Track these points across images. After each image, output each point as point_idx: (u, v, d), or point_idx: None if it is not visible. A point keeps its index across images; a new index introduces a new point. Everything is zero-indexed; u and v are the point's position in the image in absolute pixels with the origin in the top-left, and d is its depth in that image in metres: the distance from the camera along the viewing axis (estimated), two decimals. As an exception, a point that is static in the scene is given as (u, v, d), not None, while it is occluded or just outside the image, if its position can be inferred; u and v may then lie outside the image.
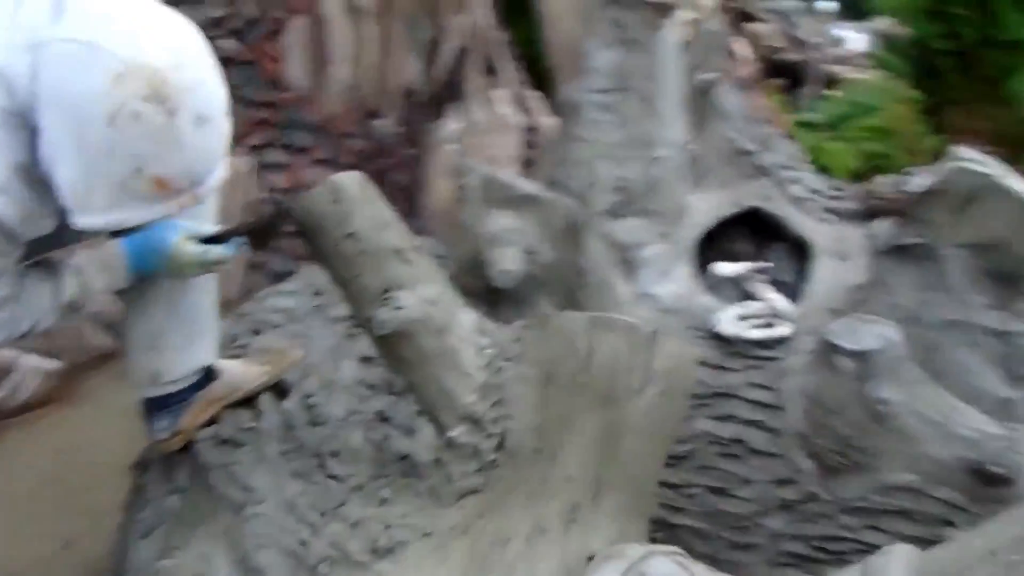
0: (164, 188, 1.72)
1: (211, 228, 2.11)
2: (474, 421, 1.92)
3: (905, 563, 1.64)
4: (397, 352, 1.97)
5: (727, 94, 3.46)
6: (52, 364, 4.05)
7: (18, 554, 3.05)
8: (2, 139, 1.72)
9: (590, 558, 1.82)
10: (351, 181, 2.00)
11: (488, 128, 4.48)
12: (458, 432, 1.92)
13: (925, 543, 2.42)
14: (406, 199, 4.28)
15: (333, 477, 2.04)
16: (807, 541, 2.73)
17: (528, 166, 4.78)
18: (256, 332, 2.46)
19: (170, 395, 2.26)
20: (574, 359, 1.92)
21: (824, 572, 2.63)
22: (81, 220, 1.75)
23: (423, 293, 1.97)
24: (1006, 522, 1.63)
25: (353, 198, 1.99)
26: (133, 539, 2.30)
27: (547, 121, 4.88)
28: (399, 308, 1.93)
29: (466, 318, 2.01)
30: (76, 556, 3.27)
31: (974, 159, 3.20)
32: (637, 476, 1.95)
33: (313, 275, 2.78)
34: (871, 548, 2.51)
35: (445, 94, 4.39)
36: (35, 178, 1.76)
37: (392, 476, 2.03)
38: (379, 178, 4.18)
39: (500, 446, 1.92)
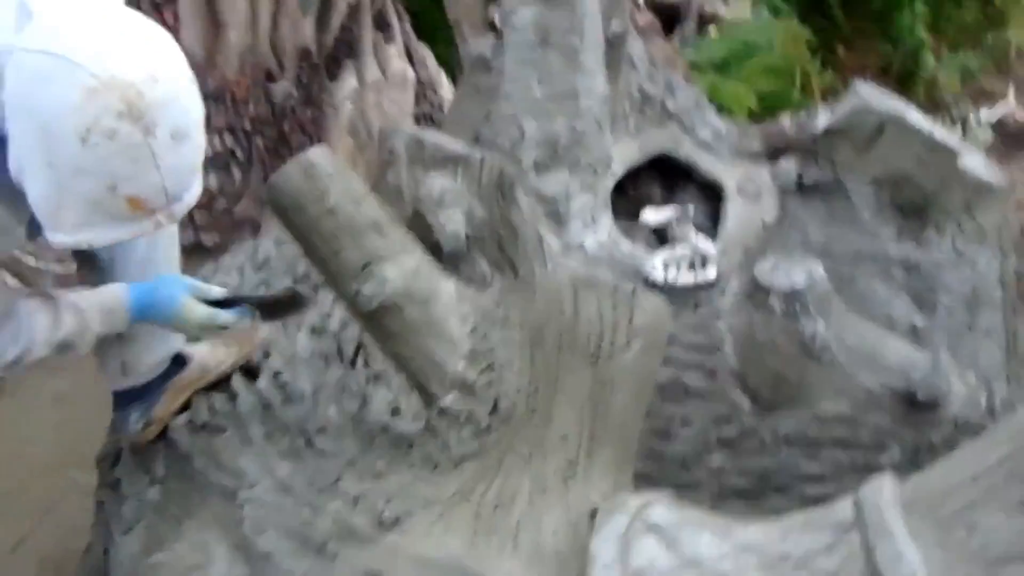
0: (139, 207, 1.66)
1: (220, 291, 2.10)
2: (465, 388, 1.95)
3: (892, 493, 1.72)
4: (383, 326, 1.98)
5: (633, 42, 3.51)
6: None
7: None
8: None
9: (592, 512, 1.88)
10: (322, 157, 1.99)
11: (384, 85, 4.46)
12: (450, 400, 1.95)
13: (862, 469, 2.57)
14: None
15: (324, 454, 2.04)
16: (749, 475, 2.84)
17: (423, 121, 4.77)
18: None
19: (141, 386, 2.22)
20: (560, 320, 1.96)
21: (768, 503, 2.75)
22: (52, 237, 1.69)
23: (404, 265, 1.98)
24: (985, 447, 1.72)
25: (327, 174, 1.98)
26: (112, 536, 2.27)
27: (438, 75, 4.88)
28: (383, 282, 1.94)
29: (447, 287, 2.03)
30: (27, 555, 3.22)
31: (876, 95, 3.33)
32: (624, 429, 2.01)
33: (251, 248, 2.75)
34: (811, 478, 2.66)
35: (340, 53, 4.34)
36: (4, 187, 1.69)
37: (381, 448, 2.05)
38: (280, 141, 4.17)
39: (494, 410, 1.95)
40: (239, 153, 4.23)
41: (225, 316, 2.05)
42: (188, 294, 2.01)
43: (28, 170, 1.62)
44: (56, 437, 3.69)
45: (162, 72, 1.62)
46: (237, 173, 4.25)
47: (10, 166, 1.65)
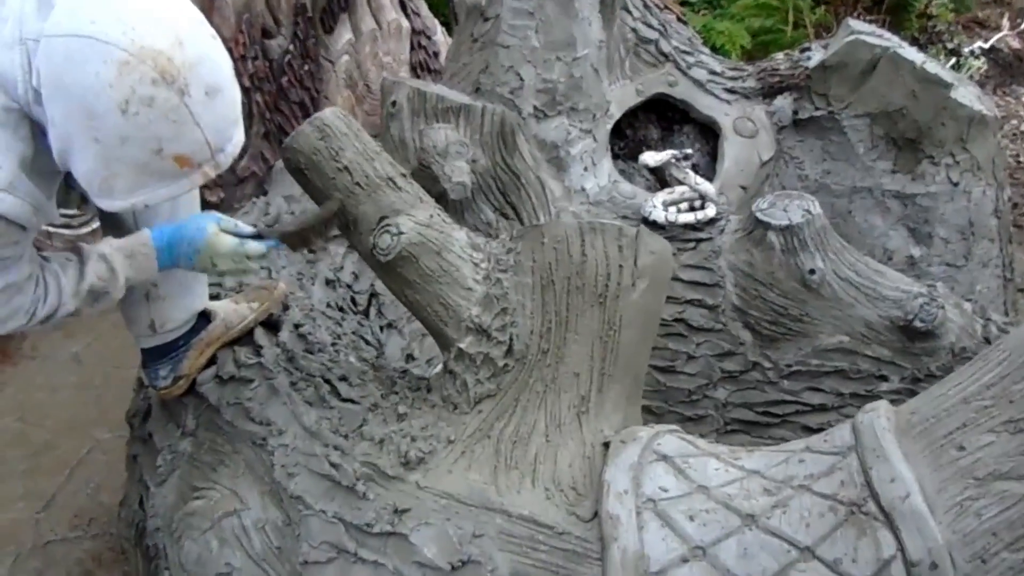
0: (186, 164, 1.73)
1: (248, 228, 2.12)
2: (481, 331, 2.03)
3: (888, 418, 1.79)
4: (400, 276, 2.06)
5: (626, -16, 3.55)
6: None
7: (0, 517, 3.06)
8: (4, 137, 1.71)
9: (605, 444, 1.96)
10: (336, 117, 2.06)
11: (379, 35, 4.47)
12: (467, 343, 2.02)
13: (862, 399, 2.64)
14: (307, 116, 4.26)
15: (348, 400, 2.12)
16: (752, 407, 2.93)
17: (419, 69, 4.79)
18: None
19: (169, 343, 2.30)
20: (569, 264, 2.03)
21: (771, 435, 2.84)
22: (106, 204, 1.76)
23: (418, 217, 2.06)
24: (974, 371, 1.79)
25: (340, 133, 2.05)
26: (148, 488, 2.35)
27: (432, 23, 4.89)
28: (400, 234, 2.01)
29: (459, 236, 2.10)
30: (59, 513, 3.29)
31: (869, 32, 3.37)
32: (633, 365, 2.08)
33: (262, 206, 2.82)
34: (814, 408, 2.74)
35: (334, 6, 4.35)
36: (39, 170, 1.77)
37: (402, 392, 2.13)
38: (279, 97, 4.20)
39: (509, 352, 2.03)
40: (239, 110, 4.26)
41: (254, 245, 2.08)
42: (217, 225, 2.05)
43: (74, 148, 1.69)
44: (76, 397, 3.76)
45: (187, 34, 1.68)
46: (238, 129, 4.27)
47: (53, 148, 1.72)
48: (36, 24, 1.67)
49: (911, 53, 3.40)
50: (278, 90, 4.29)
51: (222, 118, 1.75)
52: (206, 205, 3.80)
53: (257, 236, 2.11)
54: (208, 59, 1.70)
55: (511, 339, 2.02)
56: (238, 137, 1.82)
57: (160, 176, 1.72)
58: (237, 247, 2.06)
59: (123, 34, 1.61)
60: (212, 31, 1.76)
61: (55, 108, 1.66)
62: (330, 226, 2.14)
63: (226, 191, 4.28)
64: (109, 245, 2.02)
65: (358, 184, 2.05)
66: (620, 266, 2.02)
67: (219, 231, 2.05)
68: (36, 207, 1.77)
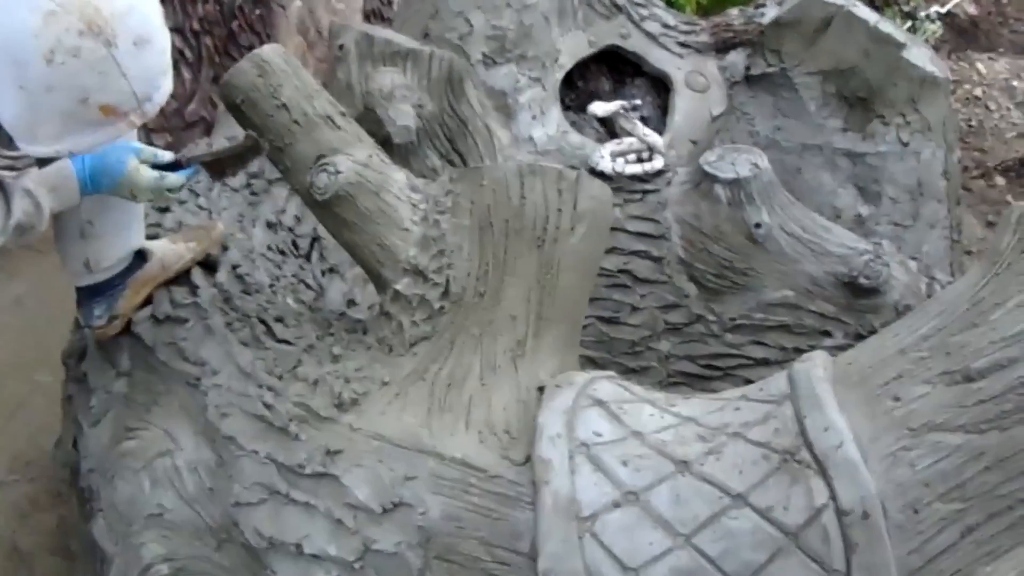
0: (111, 113, 1.70)
1: (168, 155, 2.09)
2: (417, 273, 2.01)
3: (824, 368, 1.80)
4: (337, 215, 2.03)
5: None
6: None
7: (-62, 462, 3.04)
8: None
9: (540, 389, 1.96)
10: (275, 54, 2.03)
11: (333, -18, 4.41)
12: (403, 284, 2.01)
13: (805, 353, 2.65)
14: (259, 62, 4.21)
15: (283, 341, 2.10)
16: (696, 360, 2.94)
17: (372, 18, 4.73)
18: (163, 210, 2.46)
19: (104, 281, 2.26)
20: (507, 206, 2.02)
21: (713, 388, 2.84)
22: (31, 149, 1.74)
23: (356, 156, 2.03)
24: (912, 323, 1.81)
25: (279, 70, 2.02)
26: (81, 428, 2.33)
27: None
28: (337, 173, 1.99)
29: (398, 176, 2.08)
30: (-3, 455, 3.26)
31: (822, -12, 3.35)
32: (571, 310, 2.08)
33: (206, 147, 2.77)
34: (757, 362, 2.75)
35: (288, -50, 4.28)
36: None
37: (338, 334, 2.11)
38: (230, 41, 4.13)
39: (445, 294, 2.02)
40: (188, 54, 4.20)
41: (172, 178, 2.04)
42: (135, 157, 2.01)
43: (0, 93, 1.66)
44: (19, 340, 3.71)
45: None
46: (187, 73, 4.21)
47: None
48: None
49: (865, 12, 3.39)
50: (228, 35, 4.22)
51: (149, 68, 1.73)
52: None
53: (176, 164, 2.10)
54: (137, 9, 1.68)
55: (448, 281, 2.01)
56: (166, 86, 1.80)
57: (85, 124, 1.70)
58: (156, 180, 2.03)
59: None
60: None
61: None
62: (249, 156, 2.13)
63: (174, 135, 4.22)
64: (31, 179, 1.97)
65: (296, 122, 2.02)
66: (559, 210, 2.01)
67: (138, 164, 2.01)
68: None
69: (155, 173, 2.06)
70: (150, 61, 1.72)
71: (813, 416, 1.69)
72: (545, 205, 2.00)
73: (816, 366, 1.79)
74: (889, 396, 1.70)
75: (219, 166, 2.14)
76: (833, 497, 1.61)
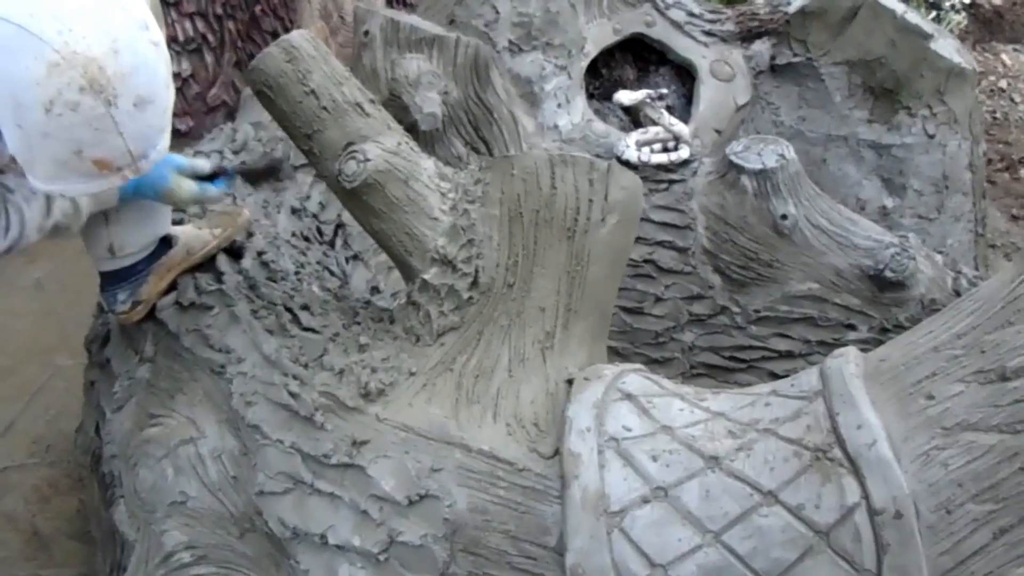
0: (105, 167, 1.68)
1: (206, 164, 2.14)
2: (446, 262, 1.99)
3: (856, 364, 1.78)
4: (365, 204, 2.01)
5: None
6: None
7: (-43, 443, 3.04)
8: None
9: (569, 381, 1.94)
10: (304, 39, 2.00)
11: (355, -34, 4.39)
12: (432, 274, 1.99)
13: (829, 347, 2.64)
14: (279, 47, 4.20)
15: (309, 329, 2.08)
16: (719, 352, 2.92)
17: (395, 3, 4.72)
18: (188, 195, 2.44)
19: (128, 267, 2.25)
20: (538, 196, 1.99)
21: (737, 380, 2.83)
22: (30, 180, 1.72)
23: (385, 144, 2.01)
24: (946, 320, 1.78)
25: (308, 56, 2.00)
26: (104, 414, 2.32)
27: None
28: (366, 160, 1.97)
29: (427, 165, 2.06)
30: (17, 439, 3.26)
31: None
32: (600, 302, 2.06)
33: (229, 132, 2.76)
34: (781, 355, 2.73)
35: (311, -66, 4.27)
36: None
37: (364, 322, 2.10)
38: (252, 26, 4.13)
39: (474, 284, 2.00)
40: (211, 38, 4.20)
41: (213, 190, 2.12)
42: (176, 171, 2.06)
43: (2, 126, 1.64)
44: (38, 324, 3.71)
45: (124, 42, 1.62)
46: (209, 58, 4.22)
47: None
48: None
49: (892, 2, 3.37)
50: (251, 19, 4.22)
51: (148, 128, 1.70)
52: (176, 134, 3.76)
53: (214, 174, 2.15)
54: (143, 69, 1.65)
55: (476, 271, 1.99)
56: (163, 144, 1.77)
57: (78, 174, 1.68)
58: (197, 194, 2.10)
59: (58, 34, 1.56)
60: (155, 36, 1.69)
61: None
62: (280, 171, 2.21)
63: (196, 119, 4.23)
64: None
65: (324, 108, 2.00)
66: (590, 200, 1.98)
67: (180, 178, 2.07)
68: None
69: (196, 186, 2.11)
70: (149, 121, 1.70)
71: (846, 413, 1.67)
72: (576, 195, 1.98)
73: (848, 362, 1.76)
74: (922, 394, 1.67)
75: (253, 176, 2.26)
76: (865, 496, 1.59)
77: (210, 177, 2.15)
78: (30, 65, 1.55)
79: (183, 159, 2.10)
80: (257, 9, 4.15)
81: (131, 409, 2.23)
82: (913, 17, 3.38)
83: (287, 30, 4.21)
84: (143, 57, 1.65)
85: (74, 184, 1.71)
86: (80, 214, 2.03)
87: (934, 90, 3.42)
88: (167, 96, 1.74)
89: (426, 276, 1.99)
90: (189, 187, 2.08)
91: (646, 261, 2.90)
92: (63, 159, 1.65)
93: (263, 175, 2.29)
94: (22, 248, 1.98)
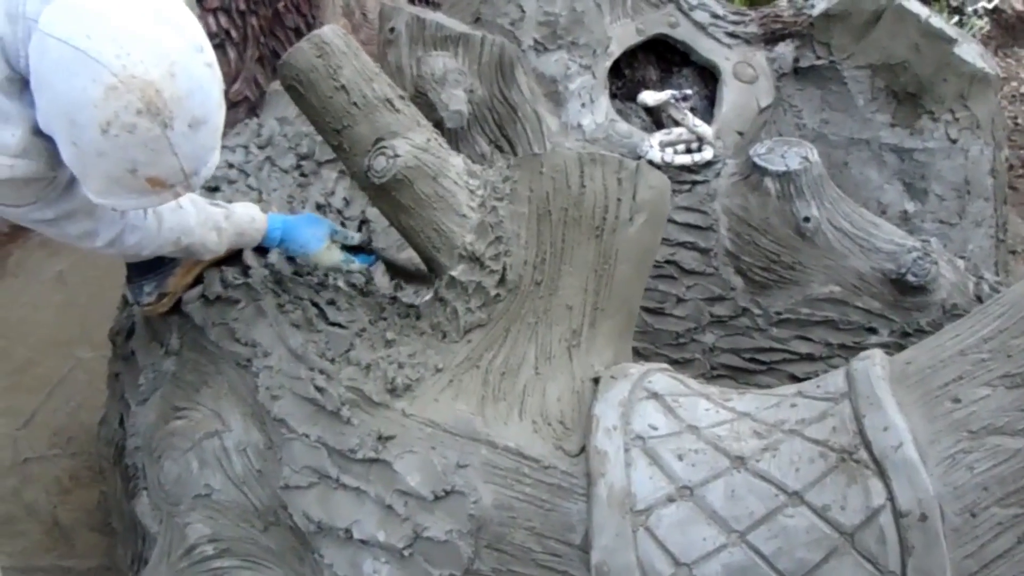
0: (158, 184, 1.70)
1: (356, 236, 2.28)
2: (474, 259, 2.00)
3: (882, 366, 1.78)
4: (394, 199, 2.02)
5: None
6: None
7: (-22, 432, 3.06)
8: (13, 107, 1.68)
9: (595, 380, 1.94)
10: (335, 35, 2.01)
11: (379, -37, 4.40)
12: (459, 271, 2.00)
13: (850, 350, 2.63)
14: (302, 42, 4.20)
15: (335, 324, 2.09)
16: (740, 353, 2.92)
17: (418, 1, 4.73)
18: (214, 189, 2.45)
19: (155, 260, 2.24)
20: (567, 194, 2.00)
21: (757, 381, 2.83)
22: (84, 190, 1.74)
23: (415, 140, 2.02)
24: (972, 324, 1.78)
25: (339, 51, 2.01)
26: (128, 406, 2.33)
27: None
28: (395, 156, 1.97)
29: (456, 162, 2.07)
30: (38, 431, 3.28)
31: (876, -18, 3.31)
32: (626, 301, 2.06)
33: (255, 127, 2.77)
34: (801, 357, 2.73)
35: (334, -69, 4.28)
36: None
37: (391, 318, 2.10)
38: (275, 21, 4.13)
39: (501, 281, 2.00)
40: (234, 33, 4.20)
41: (356, 264, 2.25)
42: (329, 238, 2.22)
43: (56, 138, 1.66)
44: (60, 316, 3.73)
45: (180, 66, 1.63)
46: (232, 53, 4.22)
47: (40, 123, 1.68)
48: (35, 5, 1.62)
49: (916, 6, 3.36)
50: (274, 14, 4.22)
51: (201, 147, 1.71)
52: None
53: (360, 248, 2.30)
54: (198, 92, 1.66)
55: (504, 268, 1.99)
56: (213, 161, 1.78)
57: (131, 191, 1.70)
58: (341, 263, 2.24)
59: (116, 57, 1.56)
60: (208, 57, 1.70)
61: (42, 99, 1.63)
62: (422, 281, 2.26)
63: (218, 115, 4.21)
64: (227, 218, 2.11)
65: (355, 104, 2.00)
66: (619, 199, 1.99)
67: (331, 244, 2.22)
68: (56, 160, 1.73)
69: (342, 256, 2.25)
70: (203, 141, 1.71)
71: (872, 416, 1.67)
72: (604, 194, 1.99)
73: (875, 365, 1.77)
74: (948, 398, 1.67)
75: (394, 269, 2.32)
76: (891, 498, 1.59)
77: (354, 249, 2.29)
78: (87, 87, 1.57)
79: (337, 226, 2.26)
80: (280, 5, 4.16)
81: (156, 402, 2.24)
82: (937, 22, 3.37)
83: (309, 26, 4.23)
84: (198, 80, 1.66)
85: (125, 199, 1.73)
86: (218, 248, 2.15)
87: (957, 95, 3.40)
88: (219, 115, 1.76)
89: (454, 273, 2.00)
90: (336, 255, 2.23)
91: (668, 262, 2.90)
92: (117, 176, 1.66)
93: (402, 273, 2.33)
94: (153, 253, 2.10)
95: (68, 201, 1.87)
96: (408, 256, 2.35)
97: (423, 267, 2.18)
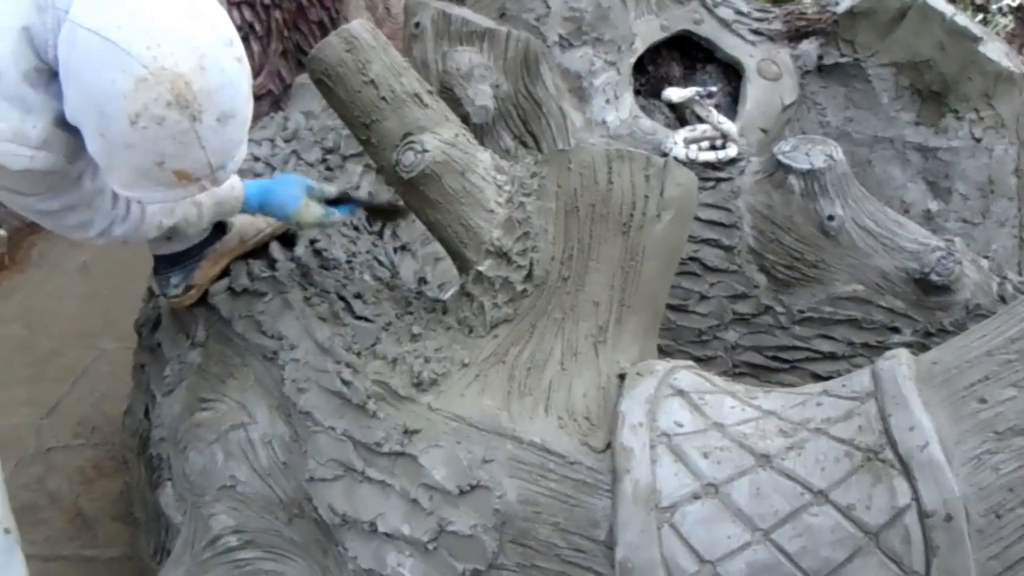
0: (184, 178, 1.71)
1: (333, 189, 2.26)
2: (501, 255, 2.00)
3: (908, 366, 1.77)
4: (422, 194, 2.03)
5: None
6: (-2, 231, 3.96)
7: (3, 422, 3.07)
8: (37, 98, 1.68)
9: (621, 376, 1.94)
10: (364, 29, 2.02)
11: (402, -42, 4.40)
12: (486, 266, 2.00)
13: (873, 349, 2.63)
14: (325, 36, 4.21)
15: (362, 318, 2.10)
16: (762, 351, 2.92)
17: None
18: (240, 181, 2.46)
19: (182, 251, 2.27)
20: (594, 190, 2.00)
21: (779, 380, 2.82)
22: (108, 182, 1.77)
23: (443, 135, 2.02)
24: (999, 325, 1.77)
25: (368, 46, 2.01)
26: (154, 397, 2.34)
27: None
28: (423, 151, 1.98)
29: (484, 157, 2.07)
30: (62, 421, 3.30)
31: (900, -22, 3.31)
32: (652, 297, 2.06)
33: (281, 121, 2.78)
34: (824, 356, 2.72)
35: (359, -76, 4.29)
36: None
37: (417, 312, 2.11)
38: (298, 15, 4.14)
39: (528, 276, 2.00)
40: (258, 27, 4.21)
41: (337, 215, 2.22)
42: (306, 195, 2.18)
43: (83, 130, 1.67)
44: (83, 307, 3.75)
45: (211, 59, 1.64)
46: (256, 47, 4.23)
47: (67, 114, 1.69)
48: None
49: (941, 4, 3.35)
50: (298, 8, 4.23)
51: (229, 141, 1.73)
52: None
53: (340, 199, 2.26)
54: (227, 86, 1.67)
55: (531, 264, 2.00)
56: (240, 155, 1.80)
57: (157, 182, 1.71)
58: (322, 217, 2.20)
59: (147, 49, 1.58)
60: (238, 52, 1.71)
61: (70, 90, 1.64)
62: (396, 217, 2.38)
63: (241, 108, 4.21)
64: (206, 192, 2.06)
65: (383, 99, 2.01)
66: (646, 196, 1.99)
67: (309, 201, 2.18)
68: (74, 154, 1.76)
69: (322, 210, 2.22)
70: (231, 135, 1.72)
71: (898, 415, 1.66)
72: (632, 191, 1.98)
73: (900, 364, 1.76)
74: (975, 398, 1.66)
75: (373, 212, 2.38)
76: (916, 498, 1.58)
77: (334, 202, 2.27)
78: (117, 78, 1.58)
79: (312, 182, 2.23)
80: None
81: (181, 393, 2.25)
82: (962, 20, 3.36)
83: (333, 20, 4.24)
84: (228, 74, 1.67)
85: (152, 192, 1.74)
86: (201, 222, 2.13)
87: (982, 94, 3.39)
88: (247, 110, 1.77)
89: (481, 268, 2.00)
90: (316, 210, 2.19)
91: (691, 259, 2.90)
92: (144, 168, 1.67)
93: (384, 214, 2.38)
94: (137, 240, 2.08)
95: (74, 193, 1.88)
96: (384, 191, 2.37)
97: (401, 201, 2.18)
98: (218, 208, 2.12)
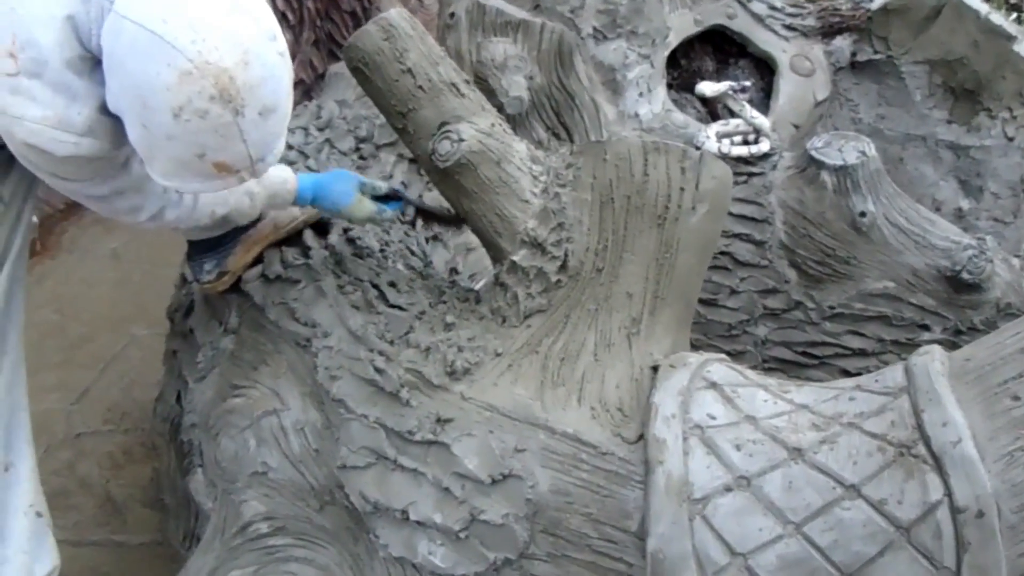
0: (224, 170, 1.72)
1: (384, 185, 2.26)
2: (536, 245, 2.00)
3: (941, 362, 1.77)
4: (457, 184, 2.03)
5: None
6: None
7: (33, 407, 3.10)
8: (82, 85, 1.70)
9: (654, 368, 1.94)
10: (402, 18, 2.02)
11: (435, -51, 4.40)
12: (521, 256, 2.00)
13: (903, 346, 2.62)
14: (358, 26, 4.21)
15: (395, 307, 2.10)
16: (792, 347, 2.91)
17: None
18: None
19: (216, 238, 2.28)
20: (630, 182, 2.00)
21: (808, 376, 2.82)
22: (148, 171, 1.77)
23: (479, 125, 2.03)
24: (1035, 322, 1.77)
25: (406, 34, 2.02)
26: (186, 383, 2.35)
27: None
28: (460, 140, 1.98)
29: (520, 147, 2.07)
30: (92, 406, 3.33)
31: (934, -24, 3.29)
32: (686, 290, 2.06)
33: (314, 110, 2.78)
34: (854, 352, 2.71)
35: (392, -84, 4.29)
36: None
37: (450, 302, 2.11)
38: (331, 4, 4.15)
39: (563, 267, 2.01)
40: (290, 16, 4.22)
41: (388, 212, 2.22)
42: (359, 191, 2.19)
43: (125, 120, 1.69)
44: (114, 293, 3.77)
45: (254, 53, 1.66)
46: (288, 36, 4.23)
47: (108, 104, 1.71)
48: None
49: (975, 2, 3.33)
50: (331, -1, 4.24)
51: (269, 134, 1.74)
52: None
53: (389, 196, 2.27)
54: (270, 80, 1.68)
55: (566, 254, 2.00)
56: (279, 148, 1.81)
57: (196, 174, 1.73)
58: (374, 213, 2.21)
59: (192, 43, 1.59)
60: (281, 47, 1.73)
61: (113, 80, 1.66)
62: (448, 224, 2.38)
63: (271, 97, 4.23)
64: (259, 182, 2.09)
65: (420, 88, 2.02)
66: (681, 188, 1.99)
67: (361, 197, 2.19)
68: (119, 140, 1.77)
69: (374, 207, 2.22)
70: (272, 129, 1.74)
71: (931, 411, 1.66)
72: (668, 183, 1.98)
73: (934, 360, 1.75)
74: (1008, 395, 1.66)
75: (424, 215, 2.37)
76: (948, 494, 1.58)
77: (384, 198, 2.27)
78: (161, 71, 1.59)
79: (364, 178, 2.24)
80: (337, -11, 4.17)
81: (214, 379, 2.26)
82: (997, 18, 3.34)
83: (365, 10, 4.25)
84: (271, 68, 1.69)
85: (190, 183, 1.76)
86: (254, 211, 2.16)
87: (1015, 93, 3.37)
88: (288, 104, 1.79)
89: (515, 258, 2.00)
90: (369, 206, 2.19)
91: (723, 253, 2.89)
92: (185, 160, 1.69)
93: (435, 218, 2.38)
94: (190, 226, 2.12)
95: (123, 178, 1.90)
96: (435, 197, 2.35)
97: (452, 208, 2.17)
98: (271, 200, 2.14)
